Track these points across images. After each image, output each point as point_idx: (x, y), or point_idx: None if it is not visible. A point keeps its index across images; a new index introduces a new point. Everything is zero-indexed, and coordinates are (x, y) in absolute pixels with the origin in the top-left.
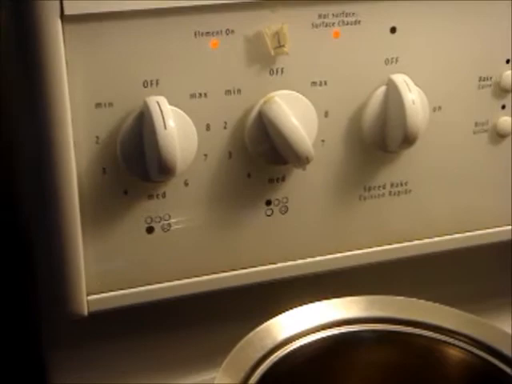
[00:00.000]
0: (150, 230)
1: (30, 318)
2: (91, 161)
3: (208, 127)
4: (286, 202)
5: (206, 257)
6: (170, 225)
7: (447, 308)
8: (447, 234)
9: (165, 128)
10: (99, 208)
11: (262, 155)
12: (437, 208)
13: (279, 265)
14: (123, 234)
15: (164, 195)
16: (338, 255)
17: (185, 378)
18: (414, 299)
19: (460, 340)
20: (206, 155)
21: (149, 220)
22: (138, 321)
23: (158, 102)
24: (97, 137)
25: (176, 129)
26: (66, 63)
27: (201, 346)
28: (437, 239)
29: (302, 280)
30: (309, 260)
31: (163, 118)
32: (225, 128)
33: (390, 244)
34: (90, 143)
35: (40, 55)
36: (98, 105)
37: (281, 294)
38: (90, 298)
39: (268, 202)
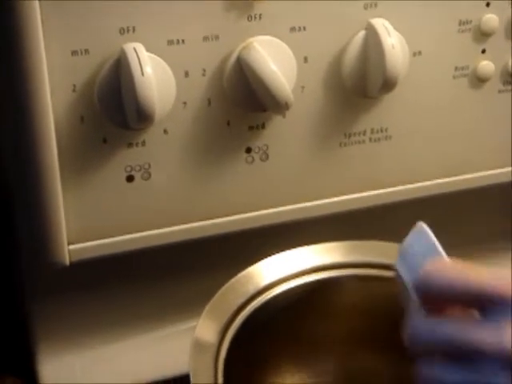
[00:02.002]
0: (130, 178)
1: (12, 271)
2: (68, 109)
3: (186, 74)
4: (267, 150)
5: (187, 205)
6: (149, 173)
7: None
8: (429, 180)
9: (142, 74)
10: (78, 157)
11: (242, 102)
12: (418, 154)
13: (260, 212)
14: (103, 183)
15: (144, 143)
16: (319, 202)
17: (167, 326)
18: (395, 243)
19: None
20: (185, 103)
21: (129, 169)
22: (120, 270)
23: (134, 49)
24: (74, 85)
25: (154, 75)
26: (41, 10)
27: (183, 294)
28: (418, 185)
29: (283, 227)
30: (290, 207)
31: (140, 64)
32: (203, 75)
33: (371, 190)
34: (67, 92)
35: (13, 2)
36: (74, 52)
37: (262, 242)
38: (71, 247)
39: (248, 150)
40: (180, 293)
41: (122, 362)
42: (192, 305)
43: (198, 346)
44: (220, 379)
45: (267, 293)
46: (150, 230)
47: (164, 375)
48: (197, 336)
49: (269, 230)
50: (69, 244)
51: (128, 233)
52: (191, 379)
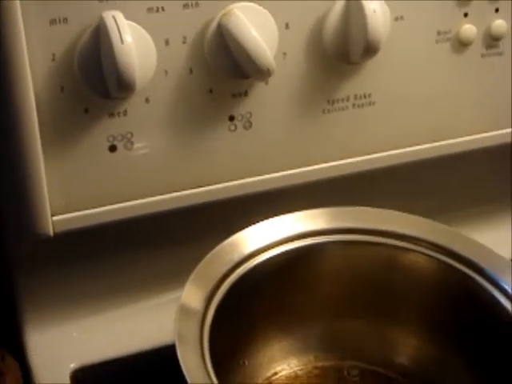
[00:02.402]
0: (112, 148)
1: None
2: (48, 79)
3: (167, 42)
4: (250, 117)
5: (170, 174)
6: (132, 143)
7: (411, 216)
8: (412, 145)
9: (122, 43)
10: (60, 128)
11: (223, 69)
12: (401, 119)
13: (244, 180)
14: (85, 154)
15: (125, 113)
16: (303, 169)
17: (153, 296)
18: (379, 209)
19: (424, 247)
20: (166, 71)
21: (111, 138)
22: (105, 241)
23: (114, 17)
24: (53, 54)
25: (133, 43)
26: None
27: (168, 264)
28: (402, 150)
29: (267, 195)
30: (273, 175)
31: (120, 32)
32: (184, 43)
33: (355, 157)
34: (46, 61)
35: None
36: (53, 21)
37: (246, 210)
38: (54, 218)
39: (231, 118)
40: (165, 262)
41: (109, 333)
42: (178, 275)
43: (184, 312)
44: (206, 345)
45: (252, 260)
46: (133, 200)
47: (150, 345)
48: (182, 302)
49: (253, 198)
50: (52, 215)
51: (111, 203)
52: (176, 345)
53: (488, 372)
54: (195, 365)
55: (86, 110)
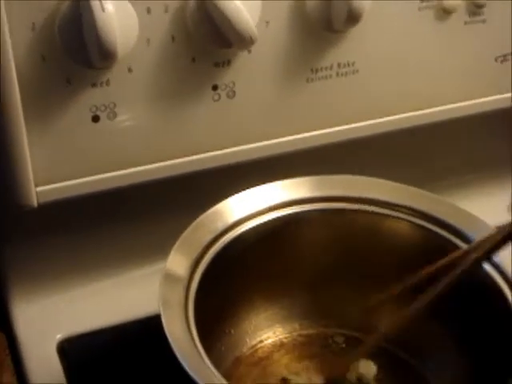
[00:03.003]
0: (95, 118)
1: None
2: (29, 49)
3: (148, 11)
4: (233, 87)
5: (154, 144)
6: (115, 113)
7: (394, 183)
8: (396, 114)
9: (103, 11)
10: (42, 98)
11: (206, 38)
12: (385, 87)
13: (228, 150)
14: (68, 124)
15: (108, 83)
16: (287, 138)
17: (137, 267)
18: (362, 176)
19: (407, 213)
20: (148, 40)
21: (94, 109)
22: (89, 212)
23: None
24: (33, 23)
25: (115, 12)
26: None
27: (153, 235)
28: (386, 119)
29: (250, 164)
30: (257, 144)
31: (101, 0)
32: (166, 11)
33: (339, 125)
34: (26, 30)
35: None
36: None
37: (230, 180)
38: (38, 189)
39: (215, 87)
40: (151, 233)
41: (95, 304)
42: (163, 245)
43: (169, 279)
44: (191, 312)
45: (237, 229)
46: (116, 170)
47: (136, 316)
48: (167, 269)
49: (237, 168)
50: (36, 186)
51: (95, 174)
52: (161, 310)
53: (471, 337)
54: (180, 331)
55: (68, 80)
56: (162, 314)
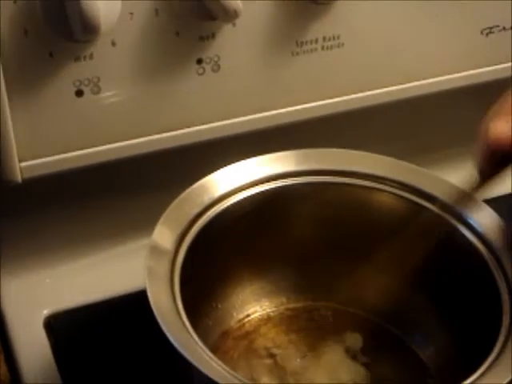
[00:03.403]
0: (79, 93)
1: None
2: (10, 22)
3: None
4: (218, 60)
5: (138, 119)
6: (99, 87)
7: (379, 156)
8: (382, 87)
9: None
10: (24, 73)
11: (190, 11)
12: (371, 61)
13: (213, 124)
14: (52, 99)
15: (91, 57)
16: (272, 112)
17: (124, 243)
18: (347, 150)
19: (393, 186)
20: (131, 13)
21: (77, 83)
22: (75, 187)
23: None
24: None
25: None
26: None
27: (139, 210)
28: (371, 92)
29: (236, 138)
30: (243, 118)
31: None
32: None
33: (325, 99)
34: (8, 4)
35: None
36: None
37: (216, 154)
38: (22, 164)
39: (199, 61)
40: (136, 208)
41: (81, 280)
42: (149, 220)
43: (155, 251)
44: (177, 284)
45: (222, 202)
46: (101, 145)
47: (123, 291)
48: (153, 242)
49: (222, 142)
50: (20, 161)
51: (80, 148)
52: (146, 282)
53: (457, 311)
54: (166, 303)
55: (51, 54)
56: (147, 285)
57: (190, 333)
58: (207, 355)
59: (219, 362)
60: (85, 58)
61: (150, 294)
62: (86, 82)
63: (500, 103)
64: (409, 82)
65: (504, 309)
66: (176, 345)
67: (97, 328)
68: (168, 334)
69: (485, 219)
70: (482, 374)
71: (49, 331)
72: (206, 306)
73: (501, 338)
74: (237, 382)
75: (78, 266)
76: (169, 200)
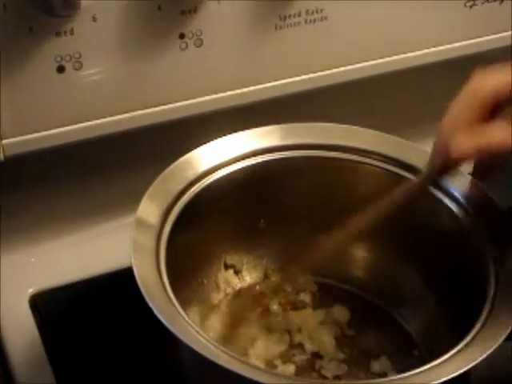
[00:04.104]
0: (60, 69)
1: None
2: None
3: None
4: (200, 35)
5: (121, 95)
6: (81, 63)
7: (363, 129)
8: (365, 61)
9: None
10: (4, 48)
11: None
12: (354, 35)
13: (197, 100)
14: (33, 75)
15: (72, 32)
16: (256, 87)
17: (108, 220)
18: (331, 123)
19: (376, 159)
20: None
21: (58, 59)
22: (59, 164)
23: None
24: None
25: None
26: None
27: (123, 187)
28: (354, 66)
29: (219, 114)
30: (226, 93)
31: None
32: None
33: (309, 73)
34: None
35: None
36: None
37: (199, 130)
38: (4, 142)
39: (181, 36)
40: (120, 186)
41: (66, 258)
42: (133, 198)
43: (140, 225)
44: (162, 258)
45: (207, 178)
46: (83, 122)
47: (108, 269)
48: (138, 217)
49: (205, 118)
50: (2, 139)
51: (62, 125)
52: (131, 256)
53: (443, 283)
54: (151, 276)
55: (31, 29)
56: (132, 258)
57: (175, 306)
58: (193, 329)
59: (206, 336)
60: (65, 33)
61: (135, 268)
62: (68, 58)
63: (452, 114)
64: (392, 56)
65: (489, 280)
66: (161, 318)
67: (83, 306)
68: (153, 307)
69: (469, 190)
70: (467, 345)
71: (34, 310)
72: (192, 280)
73: (486, 307)
74: (223, 354)
75: (63, 244)
76: (153, 176)
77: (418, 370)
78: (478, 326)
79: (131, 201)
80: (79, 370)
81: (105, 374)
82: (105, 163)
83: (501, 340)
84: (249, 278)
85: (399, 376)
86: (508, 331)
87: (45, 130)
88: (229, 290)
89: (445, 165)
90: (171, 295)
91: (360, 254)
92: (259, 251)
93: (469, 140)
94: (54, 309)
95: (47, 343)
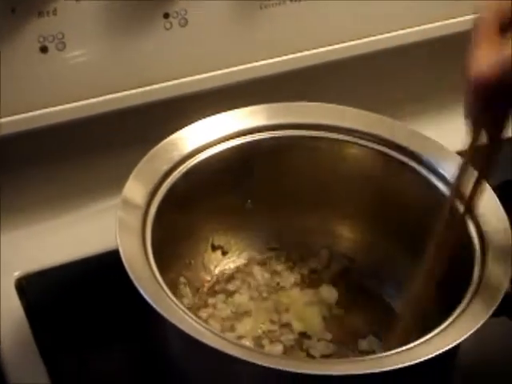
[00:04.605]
0: (43, 49)
1: None
2: None
3: None
4: (185, 14)
5: (106, 76)
6: (64, 43)
7: (351, 109)
8: (351, 40)
9: None
10: None
11: None
12: (340, 14)
13: (182, 80)
14: (16, 56)
15: (55, 12)
16: (241, 67)
17: (94, 203)
18: (318, 103)
19: (363, 138)
20: None
21: (41, 39)
22: (44, 146)
23: None
24: None
25: None
26: None
27: (109, 169)
28: (341, 45)
29: (205, 94)
30: (211, 73)
31: None
32: None
33: (294, 53)
34: None
35: None
36: None
37: (185, 110)
38: None
39: (166, 15)
40: (106, 167)
41: (52, 241)
42: (119, 179)
43: (126, 205)
44: (148, 240)
45: (193, 158)
46: (68, 103)
47: (94, 251)
48: (124, 197)
49: (191, 98)
50: None
51: (46, 106)
52: (117, 235)
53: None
54: (137, 256)
55: (13, 10)
56: (118, 238)
57: (162, 287)
58: (179, 308)
59: (192, 316)
60: (48, 13)
61: (121, 248)
62: (51, 38)
63: (478, 29)
64: (379, 34)
65: (475, 258)
66: (147, 297)
67: (69, 289)
68: (139, 287)
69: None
70: (454, 322)
71: (21, 293)
72: (180, 262)
73: (473, 284)
74: (209, 334)
75: (49, 226)
76: (138, 157)
77: (405, 347)
78: (464, 302)
79: (117, 182)
80: (67, 353)
81: (92, 355)
82: (90, 145)
83: (487, 316)
84: (239, 257)
85: (386, 353)
86: (494, 307)
87: (29, 111)
88: (217, 271)
89: (474, 100)
90: (157, 275)
91: (346, 233)
92: (247, 232)
93: (487, 52)
94: (41, 292)
95: (34, 326)
